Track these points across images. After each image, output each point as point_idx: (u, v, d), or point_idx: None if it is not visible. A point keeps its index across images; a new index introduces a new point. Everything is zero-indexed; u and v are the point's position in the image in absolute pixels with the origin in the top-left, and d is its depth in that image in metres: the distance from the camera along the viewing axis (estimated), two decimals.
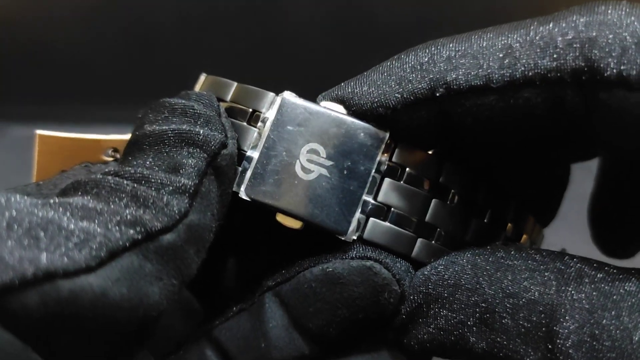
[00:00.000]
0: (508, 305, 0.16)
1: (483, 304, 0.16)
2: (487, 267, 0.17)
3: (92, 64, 0.57)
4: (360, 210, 0.18)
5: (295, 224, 0.18)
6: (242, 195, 0.18)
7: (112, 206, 0.15)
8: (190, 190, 0.16)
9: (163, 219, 0.15)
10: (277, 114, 0.18)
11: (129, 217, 0.15)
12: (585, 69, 0.15)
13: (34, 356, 0.13)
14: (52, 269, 0.13)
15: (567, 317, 0.15)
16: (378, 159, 0.18)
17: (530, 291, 0.16)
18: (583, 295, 0.15)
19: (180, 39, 0.56)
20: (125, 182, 0.16)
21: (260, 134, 0.18)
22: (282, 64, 0.55)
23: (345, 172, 0.18)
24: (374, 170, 0.18)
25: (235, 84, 0.19)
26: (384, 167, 0.18)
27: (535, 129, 0.17)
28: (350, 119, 0.18)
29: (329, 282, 0.17)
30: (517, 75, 0.16)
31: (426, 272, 0.18)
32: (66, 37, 0.56)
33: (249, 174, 0.18)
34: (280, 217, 0.18)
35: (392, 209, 0.18)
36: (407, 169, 0.18)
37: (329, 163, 0.18)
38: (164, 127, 0.17)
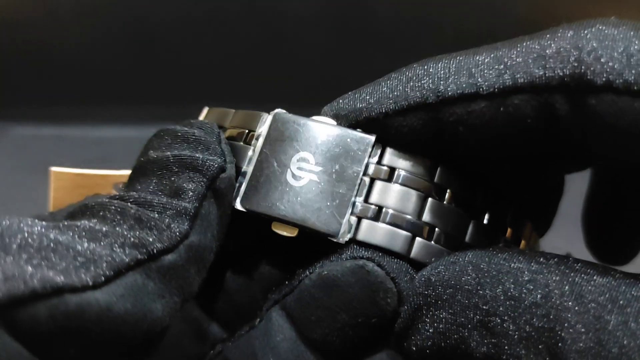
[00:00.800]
0: (510, 308, 0.16)
1: (484, 307, 0.16)
2: (489, 269, 0.16)
3: (93, 64, 0.57)
4: (350, 212, 0.18)
5: (290, 231, 0.18)
6: (238, 206, 0.18)
7: (117, 229, 0.16)
8: (191, 213, 0.17)
9: (165, 241, 0.16)
10: (269, 129, 0.19)
11: (132, 239, 0.16)
12: (574, 75, 0.16)
13: None
14: (61, 285, 0.14)
15: (571, 322, 0.15)
16: (366, 161, 0.18)
17: (532, 294, 0.16)
18: (588, 300, 0.15)
19: (181, 39, 0.56)
20: (129, 205, 0.16)
21: (255, 151, 0.19)
22: (282, 65, 0.55)
23: (334, 176, 0.18)
24: (362, 173, 0.18)
25: (234, 111, 0.20)
26: (374, 170, 0.18)
27: (526, 140, 0.17)
28: (337, 128, 0.19)
29: (325, 286, 0.18)
30: (507, 82, 0.16)
31: (425, 273, 0.17)
32: (67, 37, 0.56)
33: (243, 186, 0.19)
34: (275, 227, 0.18)
35: (385, 209, 0.18)
36: (399, 170, 0.18)
37: (318, 169, 0.18)
38: (166, 153, 0.18)
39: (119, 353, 0.15)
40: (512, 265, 0.16)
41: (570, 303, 0.15)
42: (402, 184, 0.18)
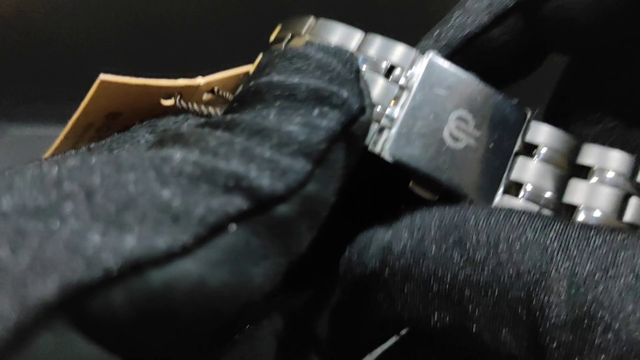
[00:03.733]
0: (478, 278, 0.14)
1: (448, 277, 0.15)
2: (454, 233, 0.15)
3: (93, 64, 0.57)
4: (502, 189, 0.17)
5: (431, 195, 0.16)
6: (386, 155, 0.16)
7: (219, 167, 0.12)
8: (316, 156, 0.13)
9: (278, 186, 0.13)
10: (424, 73, 0.17)
11: (237, 181, 0.12)
12: None
13: None
14: (140, 257, 0.11)
15: (554, 289, 0.13)
16: (520, 136, 0.17)
17: (518, 263, 0.14)
18: (577, 261, 0.14)
19: (182, 37, 0.56)
20: (237, 138, 0.13)
21: (401, 92, 0.17)
22: None
23: (491, 146, 0.17)
24: (516, 148, 0.17)
25: (360, 33, 0.17)
26: (520, 145, 0.17)
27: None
28: (498, 94, 0.17)
29: None
30: None
31: (387, 238, 0.16)
32: (67, 37, 0.56)
33: (394, 133, 0.16)
34: (414, 186, 0.16)
35: (526, 185, 0.17)
36: (543, 147, 0.17)
37: (478, 134, 0.17)
38: (295, 80, 0.14)
39: (208, 334, 0.12)
40: (481, 225, 0.15)
41: (554, 266, 0.14)
42: (545, 162, 0.17)
